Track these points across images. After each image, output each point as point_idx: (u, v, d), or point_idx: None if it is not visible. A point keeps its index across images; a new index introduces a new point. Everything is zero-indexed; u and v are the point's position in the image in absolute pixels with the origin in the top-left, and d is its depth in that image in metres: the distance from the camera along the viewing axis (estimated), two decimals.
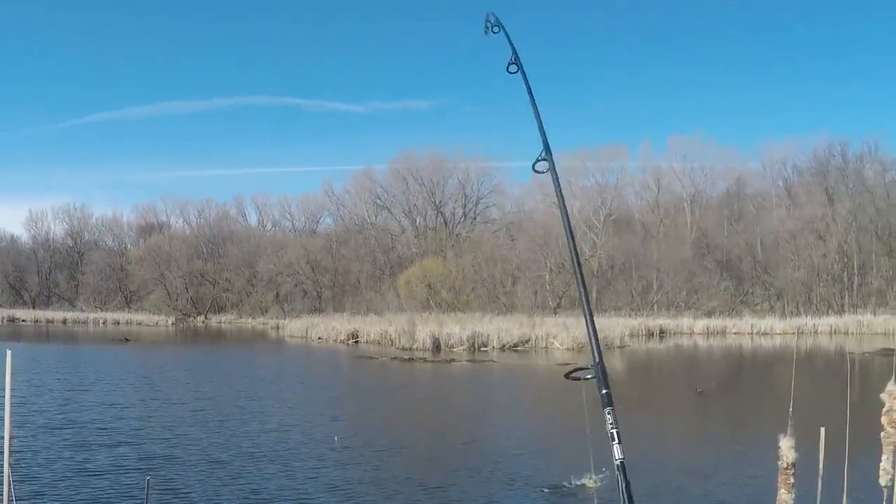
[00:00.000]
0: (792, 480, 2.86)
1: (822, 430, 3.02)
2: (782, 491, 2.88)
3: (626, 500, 2.56)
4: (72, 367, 38.45)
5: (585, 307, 3.18)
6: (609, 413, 2.60)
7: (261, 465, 16.51)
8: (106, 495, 13.82)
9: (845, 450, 3.21)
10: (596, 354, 2.81)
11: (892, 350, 40.97)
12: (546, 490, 14.62)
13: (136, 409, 24.10)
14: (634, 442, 20.27)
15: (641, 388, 33.96)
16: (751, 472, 16.30)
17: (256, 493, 14.29)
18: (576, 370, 2.75)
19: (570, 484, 14.64)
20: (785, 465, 2.87)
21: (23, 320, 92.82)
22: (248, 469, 16.09)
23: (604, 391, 2.70)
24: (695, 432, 22.51)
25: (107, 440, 18.57)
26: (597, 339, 3.00)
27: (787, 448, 2.85)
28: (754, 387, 34.38)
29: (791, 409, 2.92)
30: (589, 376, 2.75)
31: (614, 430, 2.53)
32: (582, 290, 3.30)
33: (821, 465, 3.06)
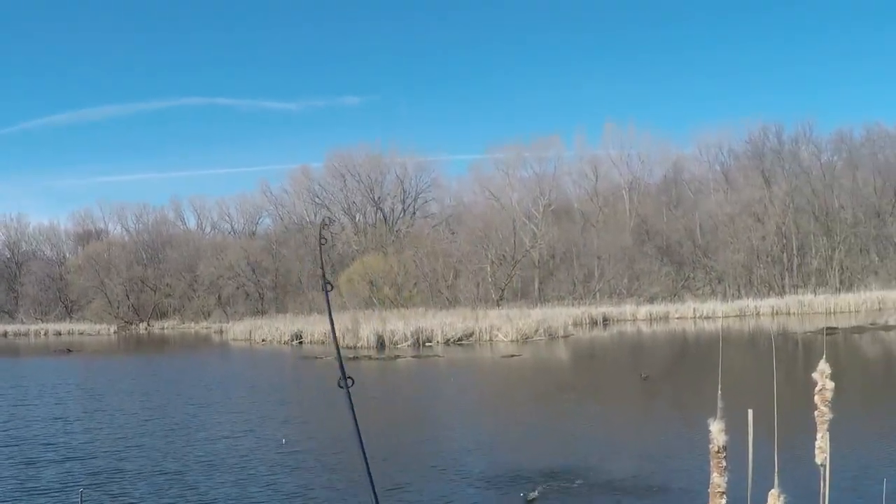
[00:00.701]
0: (724, 464, 2.95)
1: (750, 412, 3.11)
2: (715, 474, 2.97)
3: None
4: (14, 380, 37.96)
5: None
6: None
7: (210, 473, 16.43)
8: None
9: (775, 430, 3.32)
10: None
11: (835, 329, 41.68)
12: (501, 485, 14.71)
13: (80, 422, 23.74)
14: (581, 429, 20.51)
15: (587, 376, 34.20)
16: (694, 455, 16.54)
17: (206, 501, 14.24)
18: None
19: (523, 478, 14.76)
20: (716, 449, 2.96)
21: None
22: (196, 477, 15.98)
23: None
24: (640, 417, 22.71)
25: (52, 455, 18.22)
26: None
27: (717, 431, 2.94)
28: (697, 370, 34.69)
29: (720, 392, 3.00)
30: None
31: None
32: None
33: (750, 447, 3.15)
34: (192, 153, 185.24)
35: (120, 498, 14.22)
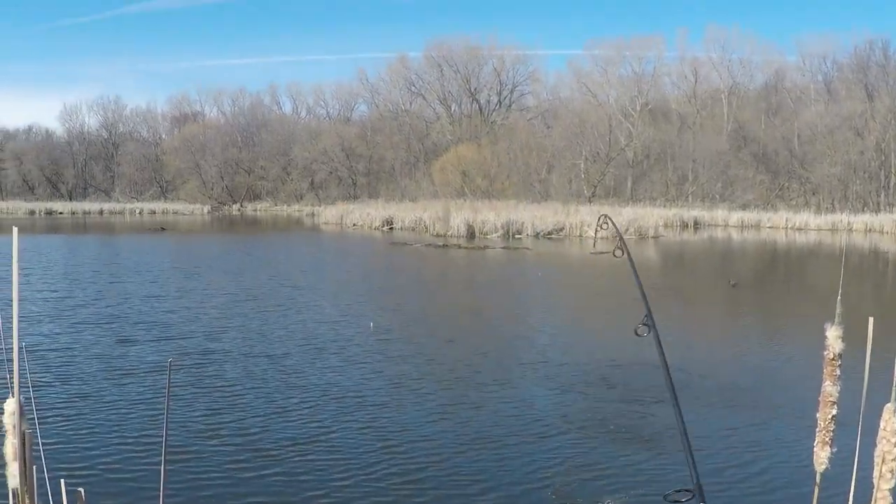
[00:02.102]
0: (838, 372, 2.85)
1: (871, 319, 2.99)
2: (827, 383, 2.87)
3: None
4: (109, 257, 38.61)
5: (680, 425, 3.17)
6: None
7: (300, 355, 16.63)
8: (133, 384, 13.95)
9: (891, 345, 3.21)
10: (694, 475, 2.86)
11: None
12: (578, 386, 14.69)
13: (174, 299, 24.02)
14: (669, 331, 20.38)
15: (675, 278, 33.94)
16: (789, 364, 16.35)
17: (289, 378, 14.41)
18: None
19: (605, 382, 14.73)
20: (831, 356, 2.85)
21: (60, 213, 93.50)
22: (286, 359, 16.19)
23: None
24: (729, 324, 22.52)
25: (144, 333, 18.42)
26: (693, 457, 3.01)
27: (833, 338, 2.84)
28: (789, 281, 34.30)
29: (839, 297, 2.89)
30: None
31: None
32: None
33: (867, 357, 3.04)
34: (290, 40, 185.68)
35: (210, 374, 14.44)
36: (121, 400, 12.47)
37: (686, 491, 2.90)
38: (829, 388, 2.84)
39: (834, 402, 2.84)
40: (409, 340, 18.30)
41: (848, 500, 3.14)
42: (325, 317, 21.31)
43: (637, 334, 3.72)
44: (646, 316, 3.78)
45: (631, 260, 4.76)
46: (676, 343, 18.82)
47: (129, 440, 10.65)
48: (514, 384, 14.25)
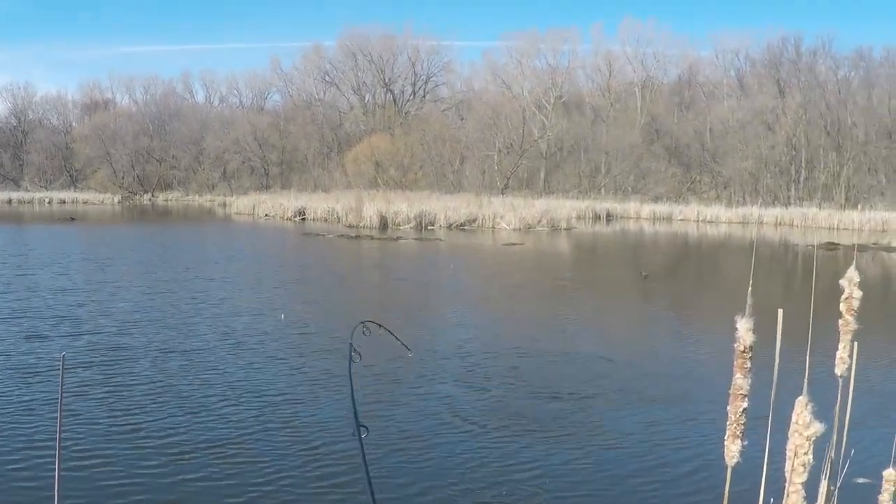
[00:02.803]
0: (748, 365, 2.82)
1: (780, 311, 2.96)
2: (738, 375, 2.83)
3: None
4: (17, 248, 37.64)
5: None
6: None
7: (209, 347, 16.44)
8: (36, 383, 13.64)
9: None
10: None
11: (836, 244, 41.58)
12: (490, 378, 14.70)
13: (82, 292, 23.13)
14: (580, 323, 20.52)
15: (588, 269, 34.23)
16: (700, 356, 16.51)
17: (201, 374, 14.21)
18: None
19: (512, 374, 14.76)
20: (742, 348, 2.82)
21: None
22: (195, 351, 15.97)
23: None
24: (640, 314, 22.71)
25: (50, 326, 17.83)
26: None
27: (744, 330, 2.80)
28: (700, 272, 34.74)
29: (750, 289, 2.86)
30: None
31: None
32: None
33: (778, 349, 3.01)
34: (203, 28, 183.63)
35: (119, 371, 14.12)
36: (20, 399, 12.01)
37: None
38: (740, 381, 2.80)
39: (745, 395, 2.81)
40: (321, 333, 18.17)
41: (759, 494, 3.13)
42: (237, 309, 21.03)
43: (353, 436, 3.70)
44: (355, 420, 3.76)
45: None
46: (587, 334, 18.96)
47: (24, 441, 10.35)
48: (428, 376, 14.20)
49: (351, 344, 3.90)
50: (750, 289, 2.88)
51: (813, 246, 41.53)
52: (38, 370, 13.68)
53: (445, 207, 55.64)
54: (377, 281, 29.18)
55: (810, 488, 2.86)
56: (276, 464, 9.70)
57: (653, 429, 11.34)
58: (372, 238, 44.88)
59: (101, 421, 11.09)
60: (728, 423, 2.88)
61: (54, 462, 2.48)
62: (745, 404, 2.85)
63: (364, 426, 2.79)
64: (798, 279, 30.45)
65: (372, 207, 54.17)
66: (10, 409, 11.46)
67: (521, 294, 25.72)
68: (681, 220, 67.92)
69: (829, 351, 3.19)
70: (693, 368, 15.32)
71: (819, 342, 3.33)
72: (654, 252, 42.96)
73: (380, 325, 4.66)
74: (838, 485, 3.28)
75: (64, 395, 11.91)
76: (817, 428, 2.78)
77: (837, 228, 58.85)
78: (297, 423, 11.33)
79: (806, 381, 2.90)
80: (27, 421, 10.98)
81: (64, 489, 8.48)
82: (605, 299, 25.38)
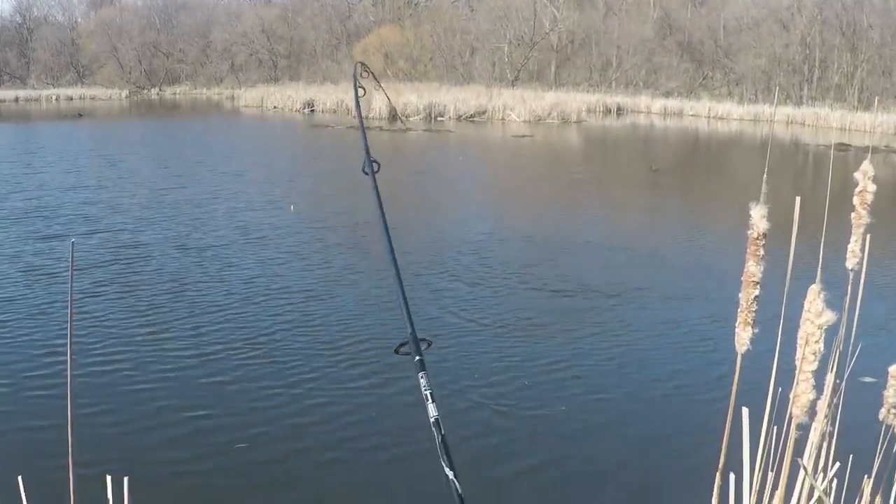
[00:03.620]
0: (761, 252, 2.76)
1: (798, 199, 2.90)
2: (751, 262, 2.78)
3: (445, 454, 2.57)
4: (25, 146, 36.93)
5: (398, 278, 3.25)
6: (422, 377, 2.68)
7: (219, 241, 16.47)
8: (47, 283, 13.64)
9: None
10: (409, 326, 2.91)
11: (847, 145, 41.14)
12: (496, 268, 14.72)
13: (91, 190, 22.90)
14: (591, 215, 20.48)
15: (598, 162, 34.09)
16: (710, 247, 16.51)
17: (214, 265, 14.25)
18: (400, 346, 2.88)
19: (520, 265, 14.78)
20: (756, 235, 2.77)
21: None
22: (205, 245, 16.00)
23: (417, 359, 2.80)
24: (651, 208, 22.63)
25: (59, 227, 17.66)
26: (409, 311, 3.09)
27: (758, 216, 2.74)
28: (710, 168, 34.56)
29: (765, 176, 2.80)
30: (408, 352, 2.88)
31: (428, 392, 2.60)
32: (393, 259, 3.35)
33: (794, 237, 2.96)
34: None
35: (132, 270, 14.10)
36: (31, 300, 11.91)
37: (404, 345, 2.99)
38: (753, 268, 2.76)
39: (757, 283, 2.76)
40: (333, 227, 18.16)
41: (770, 383, 3.11)
42: (249, 203, 21.01)
43: (365, 172, 3.65)
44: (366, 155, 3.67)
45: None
46: (599, 227, 18.93)
47: (36, 344, 10.34)
48: (440, 270, 14.23)
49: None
50: (765, 176, 2.82)
51: (824, 146, 41.16)
52: (49, 270, 13.59)
53: (455, 99, 55.18)
54: (386, 173, 29.07)
55: (817, 381, 2.84)
56: (299, 363, 9.68)
57: (668, 322, 11.38)
58: (381, 129, 44.61)
59: (114, 321, 11.04)
60: (739, 310, 2.84)
61: (66, 365, 2.42)
62: (757, 291, 2.81)
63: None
64: (809, 177, 30.32)
65: (381, 99, 53.73)
66: (22, 310, 11.42)
67: (532, 186, 25.66)
68: (692, 115, 67.26)
69: (839, 248, 3.14)
70: (702, 258, 15.34)
71: (831, 239, 3.27)
72: (664, 147, 42.67)
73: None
74: (845, 378, 3.26)
75: (76, 295, 11.81)
76: (829, 317, 2.75)
77: (849, 130, 58.15)
78: (316, 319, 11.33)
79: (819, 269, 2.86)
80: (38, 322, 10.93)
81: (78, 392, 8.46)
82: (615, 192, 25.31)
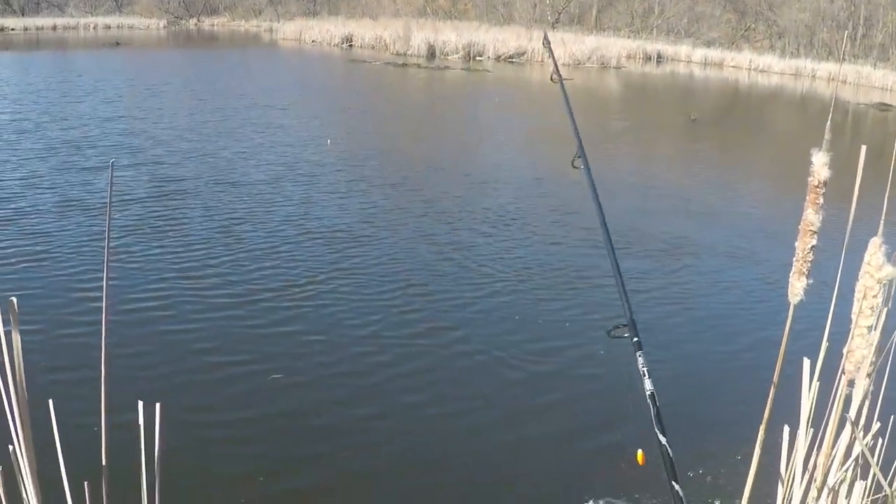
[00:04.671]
0: (821, 201, 2.68)
1: (864, 147, 2.81)
2: (809, 211, 2.71)
3: (660, 428, 2.71)
4: (63, 75, 36.86)
5: (614, 264, 3.47)
6: (640, 356, 2.78)
7: (257, 172, 16.50)
8: (84, 215, 13.62)
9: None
10: (628, 312, 3.00)
11: (889, 105, 40.54)
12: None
13: (130, 120, 22.56)
14: (626, 163, 20.32)
15: (636, 109, 33.81)
16: (758, 194, 16.39)
17: (255, 201, 14.24)
18: (615, 328, 3.17)
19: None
20: (816, 183, 2.68)
21: (12, 29, 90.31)
22: (245, 178, 16.00)
23: (635, 339, 3.01)
24: (688, 157, 22.45)
25: (100, 158, 17.50)
26: (627, 298, 3.32)
27: (820, 164, 2.66)
28: (748, 120, 34.15)
29: (828, 124, 2.70)
30: (626, 334, 3.15)
31: (644, 369, 2.69)
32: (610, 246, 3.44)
33: (857, 187, 2.88)
34: None
35: (171, 206, 14.04)
36: (69, 233, 11.80)
37: (622, 326, 3.18)
38: (811, 217, 2.68)
39: (814, 232, 2.68)
40: (370, 164, 18.12)
41: (823, 335, 3.04)
42: (287, 137, 20.92)
43: (574, 167, 4.04)
44: (578, 149, 3.93)
45: (564, 89, 4.57)
46: (635, 174, 18.79)
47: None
48: (461, 215, 14.19)
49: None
50: (829, 123, 2.73)
51: (864, 104, 40.56)
52: (86, 203, 13.41)
53: (494, 39, 54.74)
54: (422, 110, 28.96)
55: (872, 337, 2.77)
56: (342, 303, 9.65)
57: (719, 274, 11.32)
58: (419, 67, 44.42)
59: (153, 258, 10.93)
60: (795, 259, 2.77)
61: (101, 302, 2.39)
62: (814, 241, 2.74)
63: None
64: (847, 136, 29.90)
65: (420, 36, 53.41)
66: (58, 243, 11.34)
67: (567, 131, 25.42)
68: (732, 66, 66.40)
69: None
70: (744, 210, 15.22)
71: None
72: (704, 97, 42.21)
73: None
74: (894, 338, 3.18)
75: (113, 234, 11.65)
76: (890, 271, 2.67)
77: (891, 90, 57.37)
78: (356, 259, 11.28)
79: (882, 222, 2.78)
80: (75, 254, 10.89)
81: (112, 331, 8.37)
82: (653, 140, 25.11)
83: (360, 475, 6.41)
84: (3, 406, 2.40)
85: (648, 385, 2.89)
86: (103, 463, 2.60)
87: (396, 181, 16.27)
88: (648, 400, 2.82)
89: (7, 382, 2.34)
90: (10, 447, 2.40)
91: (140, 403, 2.61)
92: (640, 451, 3.18)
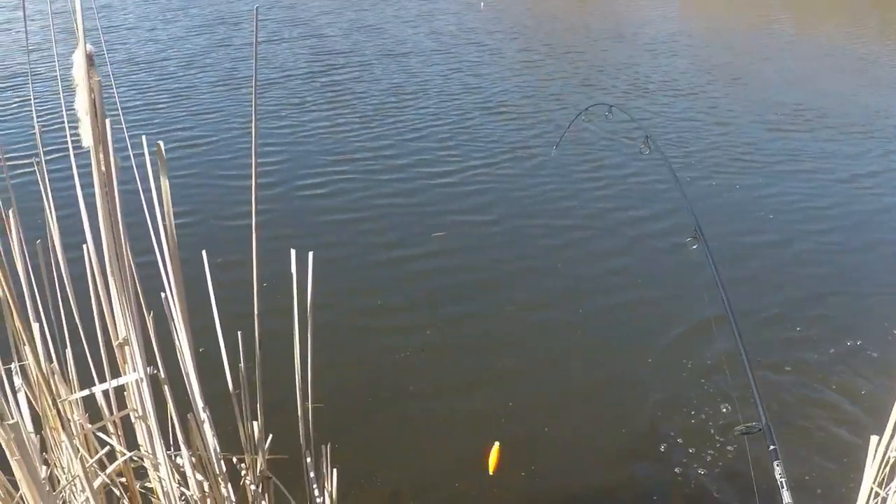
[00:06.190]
0: None
1: None
2: None
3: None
4: None
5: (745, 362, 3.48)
6: (777, 465, 2.99)
7: (408, 34, 16.34)
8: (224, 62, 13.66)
9: None
10: (762, 415, 3.19)
11: None
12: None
13: None
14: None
15: None
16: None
17: (411, 79, 13.95)
18: (748, 428, 3.20)
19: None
20: None
21: None
22: (397, 48, 15.79)
23: (771, 448, 3.10)
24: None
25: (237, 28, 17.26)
26: (761, 398, 3.34)
27: None
28: None
29: None
30: (749, 433, 3.20)
31: (783, 480, 2.93)
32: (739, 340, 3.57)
33: None
34: None
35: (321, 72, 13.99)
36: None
37: (751, 426, 3.19)
38: None
39: None
40: (511, 20, 17.83)
41: None
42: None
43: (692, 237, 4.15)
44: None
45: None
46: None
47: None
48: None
49: None
50: None
51: None
52: (233, 77, 12.92)
53: None
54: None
55: None
56: (493, 185, 9.53)
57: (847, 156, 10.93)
58: None
59: (310, 134, 10.70)
60: None
61: (250, 179, 2.36)
62: None
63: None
64: None
65: None
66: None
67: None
68: None
69: None
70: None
71: None
72: None
73: None
74: None
75: (261, 113, 11.26)
76: None
77: None
78: (499, 133, 11.20)
79: None
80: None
81: (261, 205, 8.25)
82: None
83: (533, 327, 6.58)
84: (155, 254, 2.40)
85: (787, 497, 2.90)
86: (255, 311, 2.60)
87: (550, 48, 15.84)
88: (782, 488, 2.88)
89: (158, 229, 2.34)
90: (162, 294, 2.40)
91: (293, 252, 2.60)
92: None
